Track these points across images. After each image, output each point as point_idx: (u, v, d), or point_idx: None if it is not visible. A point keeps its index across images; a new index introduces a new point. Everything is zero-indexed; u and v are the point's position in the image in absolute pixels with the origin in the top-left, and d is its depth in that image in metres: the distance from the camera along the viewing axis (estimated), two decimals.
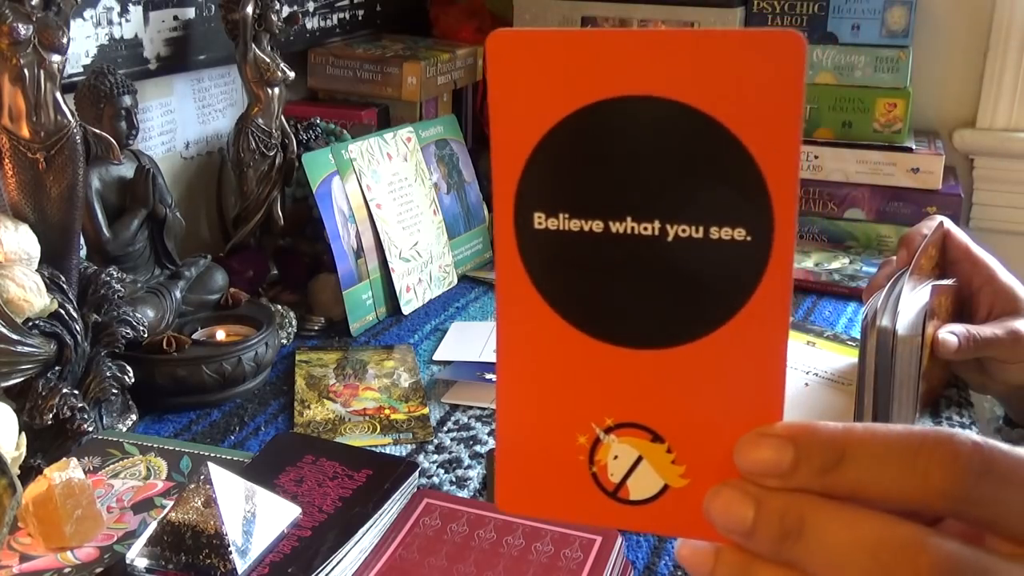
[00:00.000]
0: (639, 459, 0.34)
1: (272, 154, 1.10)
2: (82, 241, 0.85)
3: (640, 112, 0.31)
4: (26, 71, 0.73)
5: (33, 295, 0.72)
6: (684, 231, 0.31)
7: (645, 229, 0.32)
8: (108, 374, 0.81)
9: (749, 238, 0.31)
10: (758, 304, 0.31)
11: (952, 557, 0.27)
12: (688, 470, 0.33)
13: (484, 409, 0.90)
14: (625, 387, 0.33)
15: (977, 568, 0.27)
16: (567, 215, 0.33)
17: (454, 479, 0.79)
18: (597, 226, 0.32)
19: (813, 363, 0.94)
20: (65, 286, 0.77)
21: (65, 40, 0.75)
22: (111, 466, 0.72)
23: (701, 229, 0.31)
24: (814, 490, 0.29)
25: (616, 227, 0.32)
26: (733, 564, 0.30)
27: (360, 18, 1.44)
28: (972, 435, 0.28)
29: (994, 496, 0.28)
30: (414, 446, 0.84)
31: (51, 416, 0.74)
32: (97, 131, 0.83)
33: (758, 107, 0.30)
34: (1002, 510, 0.28)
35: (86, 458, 0.72)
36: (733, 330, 0.32)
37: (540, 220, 0.33)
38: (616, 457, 0.34)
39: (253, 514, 0.61)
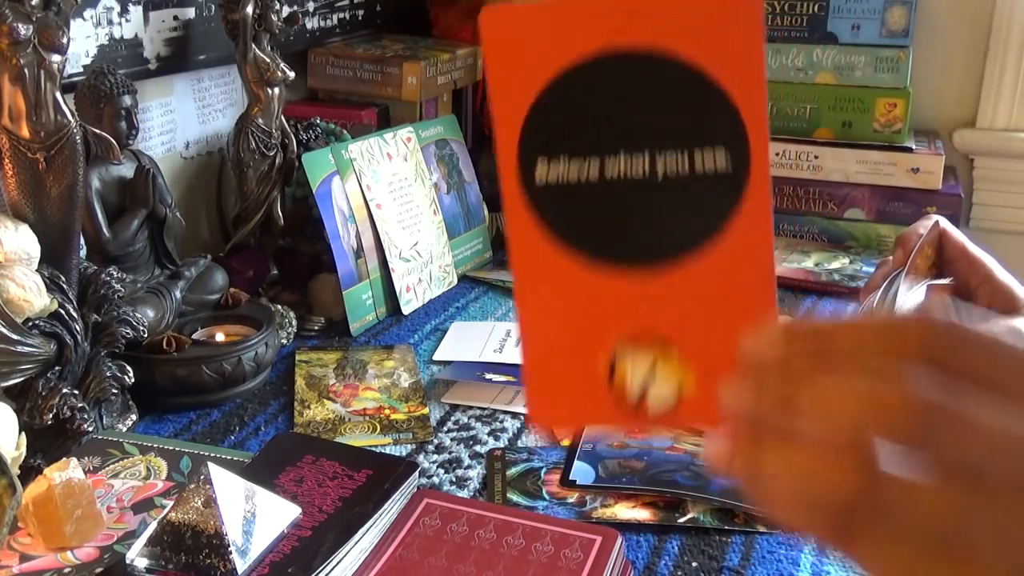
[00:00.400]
0: (654, 367, 0.37)
1: (272, 154, 1.10)
2: (82, 241, 0.85)
3: (620, 63, 0.36)
4: (26, 71, 0.73)
5: (33, 295, 0.72)
6: (672, 166, 0.36)
7: (636, 168, 0.36)
8: (108, 374, 0.81)
9: (729, 168, 0.36)
10: (743, 221, 0.36)
11: (938, 401, 0.29)
12: (698, 369, 0.37)
13: (484, 409, 0.90)
14: (634, 303, 0.37)
15: (953, 392, 0.30)
16: (567, 157, 0.37)
17: (454, 479, 0.79)
18: (594, 169, 0.36)
19: None
20: (65, 286, 0.77)
21: (65, 40, 0.75)
22: (111, 466, 0.72)
23: (686, 157, 0.36)
24: (810, 370, 0.32)
25: (611, 167, 0.36)
26: (747, 443, 0.33)
27: (360, 18, 1.44)
28: (949, 318, 0.31)
29: (963, 345, 0.30)
30: (414, 446, 0.84)
31: (51, 416, 0.74)
32: (97, 131, 0.83)
33: (724, 45, 0.35)
34: (973, 370, 0.30)
35: (86, 458, 0.72)
36: (725, 244, 0.36)
37: (543, 169, 0.37)
38: (634, 368, 0.37)
39: (253, 514, 0.61)
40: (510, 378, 0.95)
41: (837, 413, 0.30)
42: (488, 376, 0.95)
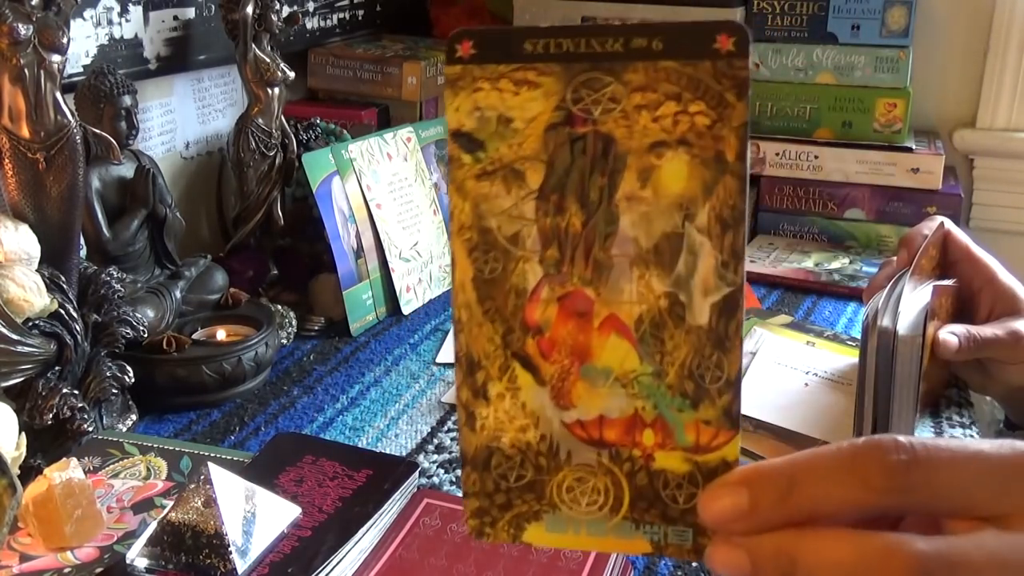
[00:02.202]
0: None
1: (272, 154, 1.10)
2: (82, 241, 0.85)
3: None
4: (26, 71, 0.73)
5: (33, 295, 0.72)
6: None
7: None
8: (108, 374, 0.81)
9: None
10: None
11: (922, 552, 0.30)
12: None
13: None
14: None
15: (945, 554, 0.30)
16: None
17: (454, 479, 0.79)
18: None
19: (813, 363, 0.94)
20: (65, 286, 0.77)
21: (65, 40, 0.75)
22: (111, 466, 0.72)
23: None
24: (778, 521, 0.32)
25: None
26: None
27: (360, 18, 1.44)
28: (894, 435, 0.31)
29: (927, 480, 0.31)
30: (415, 445, 0.84)
31: (51, 416, 0.74)
32: (97, 131, 0.83)
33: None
34: (939, 491, 0.31)
35: (86, 458, 0.72)
36: None
37: None
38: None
39: (253, 514, 0.61)
40: None
41: None
42: None
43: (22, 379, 0.73)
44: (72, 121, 0.77)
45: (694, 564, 0.68)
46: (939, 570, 0.30)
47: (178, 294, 0.95)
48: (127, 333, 0.82)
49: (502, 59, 0.34)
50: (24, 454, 0.70)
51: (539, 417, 0.35)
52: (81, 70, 0.95)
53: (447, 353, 1.02)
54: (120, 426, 0.83)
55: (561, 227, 0.34)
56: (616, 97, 0.33)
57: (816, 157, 1.37)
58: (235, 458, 0.73)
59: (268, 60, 1.07)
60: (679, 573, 0.68)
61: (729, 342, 0.34)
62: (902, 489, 0.31)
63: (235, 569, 0.58)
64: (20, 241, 0.74)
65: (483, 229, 0.35)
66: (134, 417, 0.86)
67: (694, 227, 0.33)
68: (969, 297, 0.88)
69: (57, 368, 0.76)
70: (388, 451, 0.83)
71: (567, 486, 0.35)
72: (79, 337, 0.77)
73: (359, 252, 1.10)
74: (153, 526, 0.61)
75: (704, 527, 0.34)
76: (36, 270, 0.75)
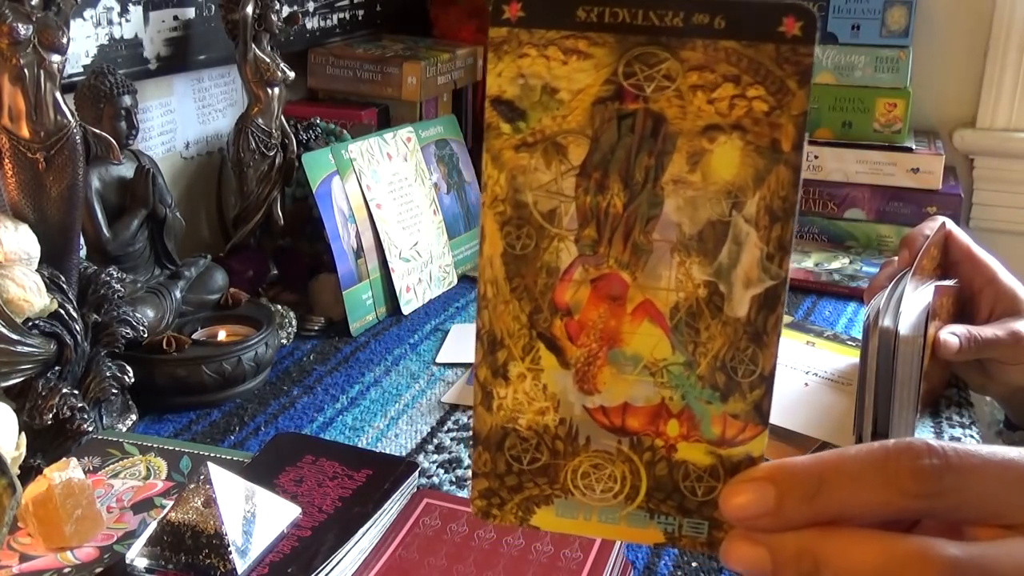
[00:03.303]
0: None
1: (272, 154, 1.10)
2: (82, 241, 0.85)
3: None
4: (26, 71, 0.73)
5: (33, 295, 0.72)
6: None
7: None
8: (108, 374, 0.81)
9: None
10: None
11: (954, 558, 0.30)
12: None
13: None
14: None
15: (978, 560, 0.30)
16: None
17: (454, 479, 0.79)
18: None
19: (813, 363, 0.94)
20: (65, 286, 0.77)
21: (65, 40, 0.75)
22: (111, 466, 0.72)
23: None
24: (803, 520, 0.31)
25: None
26: None
27: (360, 18, 1.44)
28: (927, 438, 0.31)
29: (957, 486, 0.31)
30: (414, 445, 0.84)
31: (51, 416, 0.74)
32: (97, 131, 0.83)
33: None
34: (969, 497, 0.31)
35: (86, 458, 0.72)
36: None
37: None
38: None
39: (253, 514, 0.61)
40: None
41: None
42: None
43: (22, 379, 0.73)
44: (72, 121, 0.77)
45: (694, 565, 0.68)
46: None
47: (178, 294, 0.95)
48: (127, 333, 0.82)
49: (552, 25, 0.32)
50: (24, 454, 0.70)
51: (560, 400, 0.35)
52: (81, 70, 0.94)
53: (447, 353, 1.02)
54: (120, 426, 0.83)
55: (601, 207, 0.33)
56: (671, 75, 0.32)
57: (816, 157, 1.37)
58: (235, 458, 0.73)
59: (268, 60, 1.07)
60: (679, 574, 0.68)
61: (767, 337, 0.33)
62: (933, 494, 0.30)
63: (235, 569, 0.58)
64: (20, 241, 0.74)
65: (518, 203, 0.33)
66: (134, 417, 0.86)
67: (742, 216, 0.32)
68: (970, 297, 0.88)
69: (57, 368, 0.76)
70: (388, 451, 0.83)
71: (583, 472, 0.35)
72: (79, 337, 0.77)
73: (359, 252, 1.10)
74: (153, 526, 0.61)
75: (720, 521, 0.33)
76: (36, 270, 0.75)
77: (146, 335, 0.85)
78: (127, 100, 0.92)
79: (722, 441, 0.34)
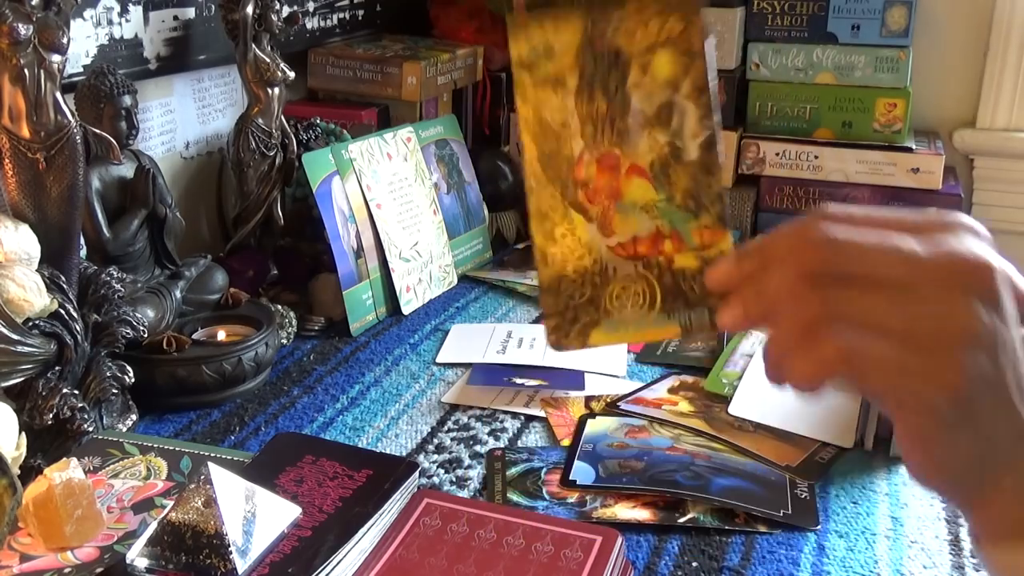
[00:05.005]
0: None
1: (272, 154, 1.10)
2: (82, 241, 0.85)
3: None
4: (26, 71, 0.73)
5: (33, 295, 0.72)
6: None
7: None
8: (108, 374, 0.81)
9: None
10: None
11: (832, 236, 0.39)
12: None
13: (484, 410, 0.90)
14: None
15: (845, 234, 0.39)
16: None
17: (454, 479, 0.79)
18: None
19: None
20: (65, 286, 0.77)
21: (65, 40, 0.75)
22: (111, 466, 0.72)
23: None
24: (754, 267, 0.42)
25: None
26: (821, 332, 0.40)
27: (360, 18, 1.44)
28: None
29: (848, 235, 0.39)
30: (415, 445, 0.84)
31: (51, 416, 0.74)
32: (97, 131, 0.83)
33: None
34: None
35: (86, 458, 0.72)
36: None
37: None
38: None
39: (253, 514, 0.61)
40: (542, 382, 0.95)
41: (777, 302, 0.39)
42: (517, 380, 0.95)
43: (22, 379, 0.73)
44: (72, 121, 0.77)
45: (694, 564, 0.69)
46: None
47: (178, 294, 0.95)
48: (127, 333, 0.82)
49: (544, 5, 0.47)
50: (24, 454, 0.70)
51: (591, 246, 0.47)
52: (81, 70, 0.94)
53: (447, 353, 1.02)
54: (120, 426, 0.83)
55: (593, 112, 0.47)
56: (619, 21, 0.46)
57: (816, 157, 1.37)
58: (235, 458, 0.73)
59: (268, 60, 1.07)
60: (679, 573, 0.68)
61: (714, 167, 0.46)
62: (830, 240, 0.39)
63: (235, 569, 0.58)
64: (20, 241, 0.74)
65: (541, 120, 0.47)
66: (134, 417, 0.86)
67: (680, 95, 0.46)
68: None
69: (57, 368, 0.76)
70: (388, 451, 0.83)
71: (616, 295, 0.47)
72: (79, 337, 0.77)
73: (359, 252, 1.10)
74: (153, 526, 0.61)
75: (715, 307, 0.44)
76: (36, 270, 0.75)
77: (146, 335, 0.85)
78: (127, 100, 0.92)
79: (702, 247, 0.46)
